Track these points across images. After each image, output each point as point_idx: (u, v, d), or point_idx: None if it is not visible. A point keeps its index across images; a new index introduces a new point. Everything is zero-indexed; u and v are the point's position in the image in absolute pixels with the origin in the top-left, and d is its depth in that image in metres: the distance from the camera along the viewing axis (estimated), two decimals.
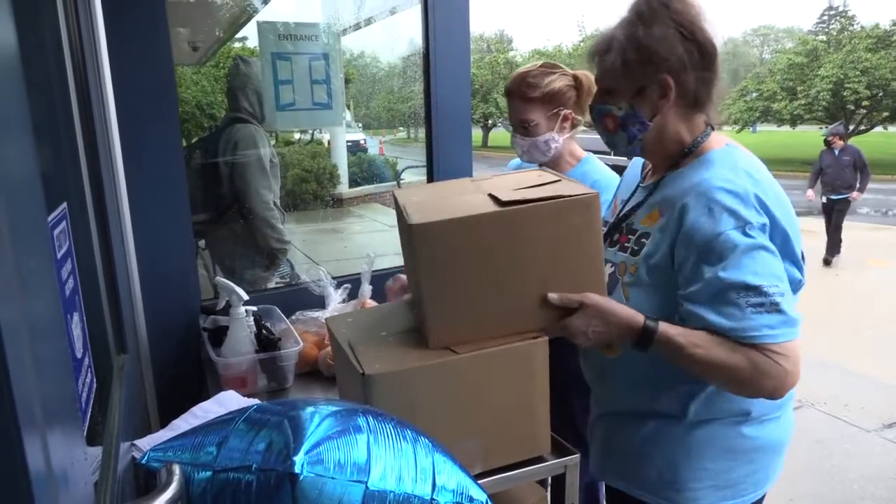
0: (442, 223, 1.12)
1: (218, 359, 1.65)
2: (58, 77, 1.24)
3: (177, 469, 0.83)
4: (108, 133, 1.67)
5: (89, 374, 1.02)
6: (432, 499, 0.83)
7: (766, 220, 1.09)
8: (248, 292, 1.71)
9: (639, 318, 1.14)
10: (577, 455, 1.31)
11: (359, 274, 2.01)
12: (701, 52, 1.16)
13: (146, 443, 1.13)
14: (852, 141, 9.95)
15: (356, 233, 8.02)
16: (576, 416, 1.85)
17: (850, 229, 8.37)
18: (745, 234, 1.07)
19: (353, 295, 1.98)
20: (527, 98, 1.78)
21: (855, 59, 19.66)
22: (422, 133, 2.51)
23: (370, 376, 1.10)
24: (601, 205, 1.17)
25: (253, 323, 1.77)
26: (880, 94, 19.77)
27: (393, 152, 15.84)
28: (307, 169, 7.09)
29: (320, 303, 1.96)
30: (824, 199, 7.75)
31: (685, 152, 1.22)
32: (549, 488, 1.80)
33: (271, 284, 2.89)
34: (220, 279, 1.76)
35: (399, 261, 1.29)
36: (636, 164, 1.43)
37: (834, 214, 7.67)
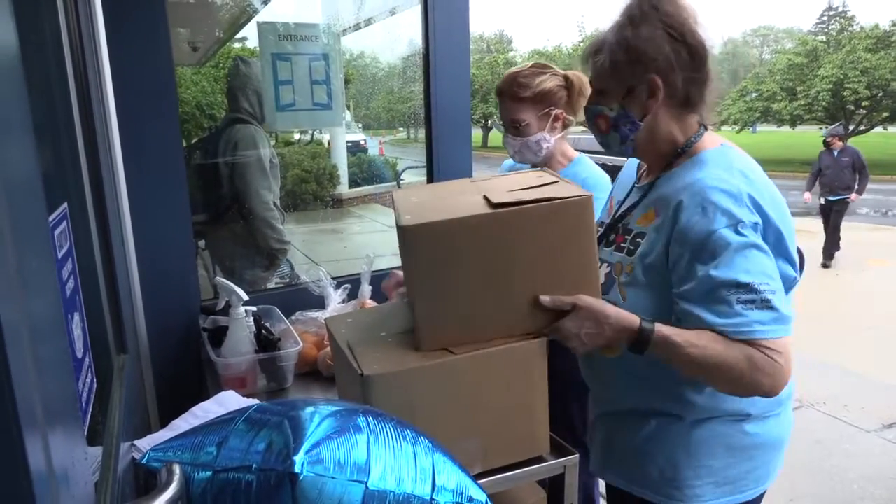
0: (432, 224, 1.11)
1: (218, 359, 1.65)
2: (58, 77, 1.24)
3: (177, 469, 0.83)
4: (109, 133, 1.68)
5: (90, 375, 1.02)
6: (432, 499, 0.83)
7: (758, 219, 1.10)
8: (247, 292, 1.71)
9: (634, 319, 1.13)
10: (577, 455, 1.32)
11: (358, 274, 2.01)
12: (690, 52, 1.17)
13: (146, 443, 1.13)
14: (852, 141, 9.95)
15: (356, 233, 8.02)
16: (573, 418, 1.85)
17: (850, 229, 8.38)
18: (738, 233, 1.08)
19: (352, 295, 1.99)
20: (518, 98, 1.79)
21: (854, 59, 19.65)
22: (422, 133, 2.51)
23: (369, 377, 1.10)
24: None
25: (253, 323, 1.77)
26: (880, 94, 19.77)
27: (393, 153, 15.82)
28: (307, 169, 7.08)
29: (320, 303, 1.96)
30: (822, 201, 7.73)
31: (678, 152, 1.22)
32: (546, 489, 1.80)
33: (271, 285, 2.89)
34: (220, 279, 1.76)
35: (398, 261, 1.29)
36: (632, 165, 1.43)
37: (832, 215, 7.65)
